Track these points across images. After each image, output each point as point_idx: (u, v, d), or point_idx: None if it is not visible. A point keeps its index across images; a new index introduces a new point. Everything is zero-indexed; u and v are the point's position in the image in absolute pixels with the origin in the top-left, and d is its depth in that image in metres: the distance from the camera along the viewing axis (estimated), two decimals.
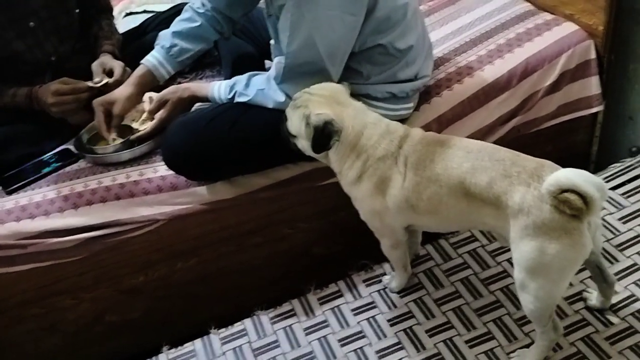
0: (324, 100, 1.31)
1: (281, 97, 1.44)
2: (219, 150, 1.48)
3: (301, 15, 1.31)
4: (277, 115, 1.41)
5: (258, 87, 1.47)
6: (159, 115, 1.59)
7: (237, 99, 1.50)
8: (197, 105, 1.66)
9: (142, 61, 1.61)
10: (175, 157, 1.52)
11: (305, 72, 1.37)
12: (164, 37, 1.61)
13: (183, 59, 1.61)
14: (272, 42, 1.53)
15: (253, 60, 1.75)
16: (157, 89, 1.65)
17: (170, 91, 1.59)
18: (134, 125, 1.69)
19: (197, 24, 1.59)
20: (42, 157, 1.68)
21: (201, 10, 1.59)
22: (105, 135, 1.60)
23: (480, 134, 1.67)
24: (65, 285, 1.58)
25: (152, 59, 1.60)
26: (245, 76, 1.51)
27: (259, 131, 1.47)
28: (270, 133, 1.42)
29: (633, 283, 1.47)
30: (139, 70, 1.61)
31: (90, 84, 1.66)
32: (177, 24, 1.61)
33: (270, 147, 1.48)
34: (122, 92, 1.59)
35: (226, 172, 1.56)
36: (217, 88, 1.54)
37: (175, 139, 1.50)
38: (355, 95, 1.39)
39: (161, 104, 1.59)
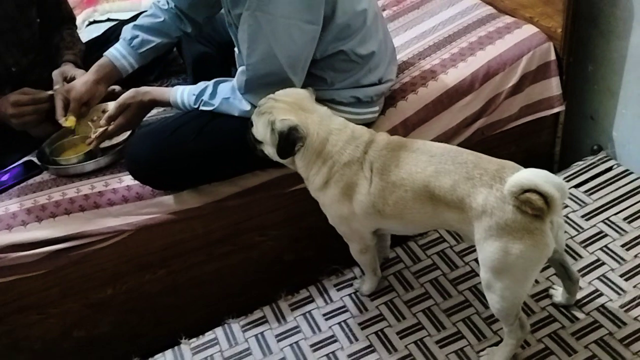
0: (288, 107, 1.31)
1: (246, 107, 1.43)
2: (185, 160, 1.47)
3: (259, 27, 1.31)
4: (243, 122, 1.40)
5: (223, 96, 1.46)
6: (117, 121, 1.55)
7: (202, 108, 1.49)
8: (160, 110, 1.64)
9: (104, 53, 1.61)
10: (139, 167, 1.50)
11: (268, 82, 1.37)
12: (126, 30, 1.62)
13: (144, 50, 1.61)
14: (235, 50, 1.52)
15: (213, 61, 1.74)
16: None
17: (129, 95, 1.55)
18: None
19: (160, 19, 1.60)
20: (3, 170, 1.64)
21: (165, 7, 1.60)
22: (60, 119, 1.56)
23: (446, 137, 1.69)
24: (30, 301, 1.55)
25: (114, 50, 1.60)
26: (211, 84, 1.50)
27: (224, 139, 1.46)
28: (236, 141, 1.42)
29: (597, 278, 1.51)
30: (100, 61, 1.60)
31: (51, 92, 1.63)
32: (140, 19, 1.62)
33: (236, 155, 1.48)
34: (79, 78, 1.59)
35: (193, 181, 1.54)
36: (181, 94, 1.52)
37: (139, 150, 1.48)
38: (320, 100, 1.40)
39: (121, 109, 1.54)
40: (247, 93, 1.42)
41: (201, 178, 1.54)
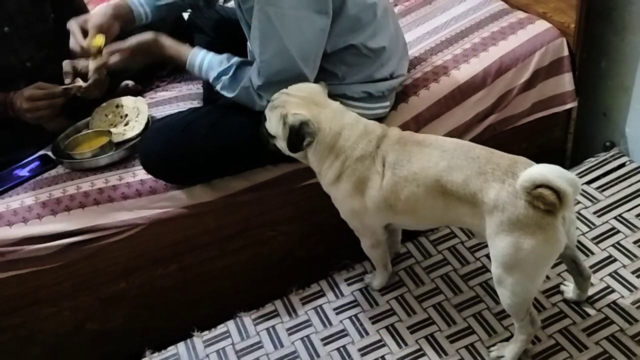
0: (301, 101, 1.32)
1: (263, 102, 1.43)
2: (196, 155, 1.48)
3: (269, 21, 1.31)
4: (254, 119, 1.41)
5: (243, 84, 1.43)
6: (122, 56, 1.49)
7: (220, 90, 1.46)
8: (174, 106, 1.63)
9: None
10: (152, 162, 1.51)
11: (282, 79, 1.37)
12: None
13: (162, 4, 1.58)
14: (248, 45, 1.53)
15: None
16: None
17: (145, 40, 1.49)
18: (113, 130, 1.68)
19: None
20: (19, 164, 1.66)
21: None
22: (83, 43, 1.48)
23: (458, 132, 1.69)
24: (44, 294, 1.56)
25: None
26: (234, 65, 1.44)
27: (236, 135, 1.47)
28: (248, 137, 1.43)
29: (608, 275, 1.50)
30: (116, 1, 1.56)
31: (65, 87, 1.64)
32: None
33: (248, 151, 1.49)
34: (95, 11, 1.55)
35: (204, 176, 1.55)
36: (200, 61, 1.46)
37: (152, 145, 1.50)
38: (331, 95, 1.40)
39: (134, 50, 1.48)
40: (261, 90, 1.42)
41: (213, 173, 1.55)
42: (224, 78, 1.45)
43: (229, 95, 1.45)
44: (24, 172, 1.62)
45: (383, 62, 1.50)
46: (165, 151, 1.48)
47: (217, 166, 1.54)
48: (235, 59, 1.46)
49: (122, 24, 1.54)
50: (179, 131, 1.48)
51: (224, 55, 1.47)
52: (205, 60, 1.47)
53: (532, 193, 1.11)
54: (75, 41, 1.49)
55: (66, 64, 1.66)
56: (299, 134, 1.29)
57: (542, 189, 1.10)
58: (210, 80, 1.47)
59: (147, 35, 1.50)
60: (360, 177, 1.31)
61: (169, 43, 1.50)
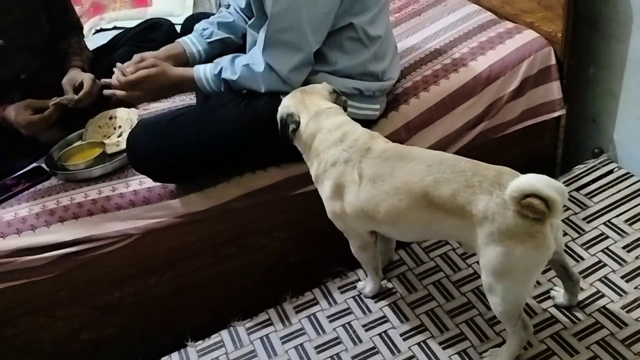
0: (300, 96, 1.37)
1: (260, 67, 1.44)
2: (183, 149, 1.48)
3: None
4: (242, 113, 1.43)
5: (243, 63, 1.48)
6: (132, 93, 1.54)
7: (224, 75, 1.49)
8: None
9: (176, 40, 1.67)
10: (139, 157, 1.51)
11: (286, 40, 1.39)
12: (197, 25, 1.69)
13: (213, 41, 1.66)
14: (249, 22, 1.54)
15: None
16: None
17: (155, 73, 1.53)
18: (106, 141, 1.69)
19: (230, 19, 1.68)
20: (13, 176, 1.66)
21: (232, 11, 1.68)
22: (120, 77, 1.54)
23: (448, 140, 1.71)
24: (39, 304, 1.57)
25: (184, 38, 1.66)
26: (230, 55, 1.52)
27: (223, 130, 1.48)
28: (235, 132, 1.44)
29: (598, 280, 1.52)
30: (169, 45, 1.65)
31: (58, 99, 1.66)
32: (211, 18, 1.70)
33: (235, 147, 1.49)
34: (149, 52, 1.60)
35: (192, 172, 1.55)
36: (203, 70, 1.52)
37: (139, 139, 1.50)
38: None
39: (139, 81, 1.53)
40: (265, 49, 1.43)
41: (200, 169, 1.54)
42: (225, 65, 1.49)
43: (233, 77, 1.48)
44: (17, 184, 1.62)
45: (377, 55, 1.52)
46: (152, 146, 1.48)
47: (205, 162, 1.52)
48: (229, 55, 1.52)
49: (175, 63, 1.60)
50: (164, 125, 1.50)
51: (216, 59, 1.53)
52: (207, 67, 1.52)
53: (521, 203, 1.12)
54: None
55: (65, 84, 1.70)
56: (287, 125, 1.34)
57: (531, 199, 1.11)
58: (216, 73, 1.50)
59: (158, 69, 1.54)
60: (337, 182, 1.33)
61: (173, 74, 1.55)
